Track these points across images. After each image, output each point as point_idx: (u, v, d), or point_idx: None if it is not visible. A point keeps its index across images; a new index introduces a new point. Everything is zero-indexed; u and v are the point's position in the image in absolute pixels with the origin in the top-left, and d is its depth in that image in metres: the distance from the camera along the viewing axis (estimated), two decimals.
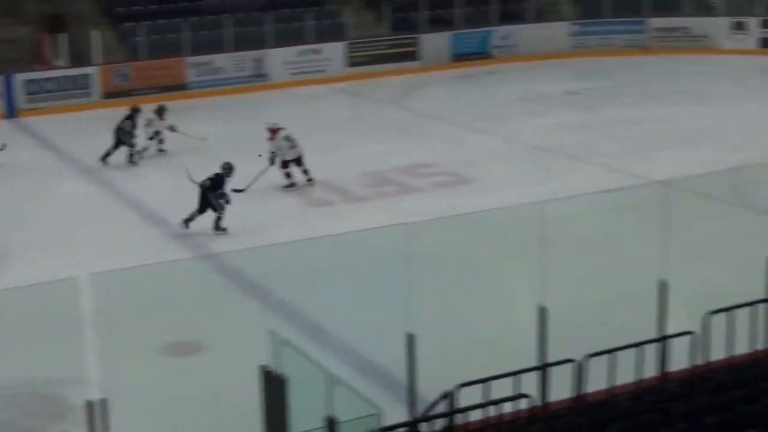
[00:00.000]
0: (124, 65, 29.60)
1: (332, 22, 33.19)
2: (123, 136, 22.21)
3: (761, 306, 10.50)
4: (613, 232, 16.61)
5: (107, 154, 22.16)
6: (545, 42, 34.05)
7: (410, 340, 9.58)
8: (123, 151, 22.15)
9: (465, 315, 13.19)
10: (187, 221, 17.61)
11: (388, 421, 7.93)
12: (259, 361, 8.84)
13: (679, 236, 11.43)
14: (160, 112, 23.04)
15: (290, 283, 13.50)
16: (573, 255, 14.65)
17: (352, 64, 31.76)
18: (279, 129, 20.40)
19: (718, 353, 10.19)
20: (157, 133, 22.94)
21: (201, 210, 17.61)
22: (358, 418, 7.67)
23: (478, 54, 33.80)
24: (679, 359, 10.16)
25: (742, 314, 10.24)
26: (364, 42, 32.73)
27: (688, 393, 8.88)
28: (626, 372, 9.71)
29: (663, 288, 10.19)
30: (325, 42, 31.98)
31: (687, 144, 22.40)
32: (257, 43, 31.25)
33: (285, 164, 20.15)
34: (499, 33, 34.14)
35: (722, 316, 10.08)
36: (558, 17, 35.30)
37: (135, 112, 22.69)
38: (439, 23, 33.99)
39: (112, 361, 11.40)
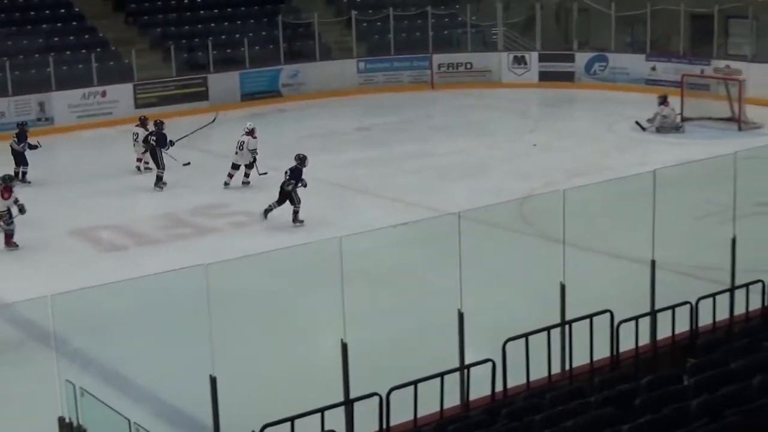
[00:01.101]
0: None
1: (118, 64, 32.62)
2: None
3: (555, 330, 10.85)
4: (411, 264, 16.87)
5: None
6: (334, 79, 34.44)
7: (213, 383, 9.45)
8: None
9: (269, 354, 13.11)
10: (267, 212, 19.72)
11: None
12: (57, 413, 8.54)
13: (474, 266, 11.67)
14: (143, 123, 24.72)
15: (87, 330, 13.12)
16: (373, 288, 14.79)
17: (140, 106, 31.24)
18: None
19: (517, 379, 10.45)
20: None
21: (280, 202, 19.55)
22: None
23: (268, 92, 33.87)
24: (481, 387, 10.36)
25: (539, 339, 10.54)
26: (152, 83, 32.30)
27: (489, 420, 9.06)
28: (430, 402, 9.84)
29: (461, 318, 10.38)
30: (111, 84, 31.43)
31: (476, 175, 23.00)
32: (41, 86, 30.43)
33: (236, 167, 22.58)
34: (288, 71, 34.31)
35: (520, 342, 10.35)
36: (345, 55, 35.77)
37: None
38: (228, 63, 33.90)
39: None
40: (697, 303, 11.25)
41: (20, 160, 23.81)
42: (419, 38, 36.63)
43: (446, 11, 37.65)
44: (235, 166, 22.96)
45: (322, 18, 35.96)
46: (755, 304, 11.80)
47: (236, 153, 22.93)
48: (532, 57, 35.42)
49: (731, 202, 12.31)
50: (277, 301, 14.78)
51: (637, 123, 27.18)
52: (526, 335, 10.40)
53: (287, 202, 19.61)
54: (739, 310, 11.82)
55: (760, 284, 11.77)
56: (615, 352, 10.88)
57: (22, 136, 24.24)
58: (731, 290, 11.90)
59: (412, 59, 35.81)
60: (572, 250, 11.07)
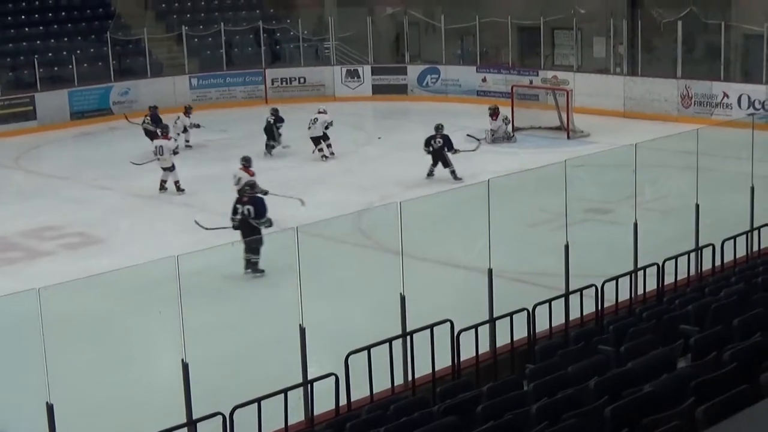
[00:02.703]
0: None
1: None
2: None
3: (397, 342, 10.93)
4: (250, 280, 16.74)
5: None
6: (166, 96, 33.96)
7: (50, 411, 9.19)
8: None
9: (107, 377, 12.81)
10: (429, 175, 23.55)
11: None
12: None
13: (314, 280, 11.67)
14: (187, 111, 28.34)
15: None
16: (213, 306, 14.62)
17: None
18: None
19: (361, 391, 10.48)
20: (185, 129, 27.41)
21: (434, 164, 23.63)
22: None
23: (98, 111, 33.18)
24: (325, 401, 10.36)
25: (381, 351, 10.60)
26: None
27: None
28: (274, 419, 9.78)
29: (303, 333, 10.36)
30: None
31: (313, 189, 23.00)
32: None
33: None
34: (119, 89, 33.70)
35: (362, 354, 10.39)
36: (177, 71, 35.34)
37: None
38: (56, 81, 33.09)
39: None
40: (533, 309, 11.50)
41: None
42: (252, 53, 36.53)
43: (278, 26, 37.68)
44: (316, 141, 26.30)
45: (152, 34, 35.44)
46: (589, 308, 12.13)
47: (308, 128, 26.43)
48: (365, 70, 35.73)
49: (563, 209, 12.64)
50: (114, 324, 14.47)
51: (469, 135, 27.55)
52: (368, 348, 10.45)
53: (439, 164, 23.64)
54: (574, 314, 12.14)
55: (593, 288, 12.10)
56: (456, 361, 11.03)
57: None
58: (566, 296, 12.20)
59: (245, 75, 35.68)
60: (411, 261, 11.19)
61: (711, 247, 13.48)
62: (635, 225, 13.67)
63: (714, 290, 11.45)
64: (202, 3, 38.91)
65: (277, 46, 37.52)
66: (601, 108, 30.83)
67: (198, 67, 35.92)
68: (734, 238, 13.76)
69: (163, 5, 38.12)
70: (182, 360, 9.77)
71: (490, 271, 11.92)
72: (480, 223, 11.79)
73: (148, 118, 27.89)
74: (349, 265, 17.17)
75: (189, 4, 38.74)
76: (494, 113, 28.04)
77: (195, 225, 18.82)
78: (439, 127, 24.10)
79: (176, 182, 23.60)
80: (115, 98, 33.57)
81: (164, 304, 9.90)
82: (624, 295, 12.64)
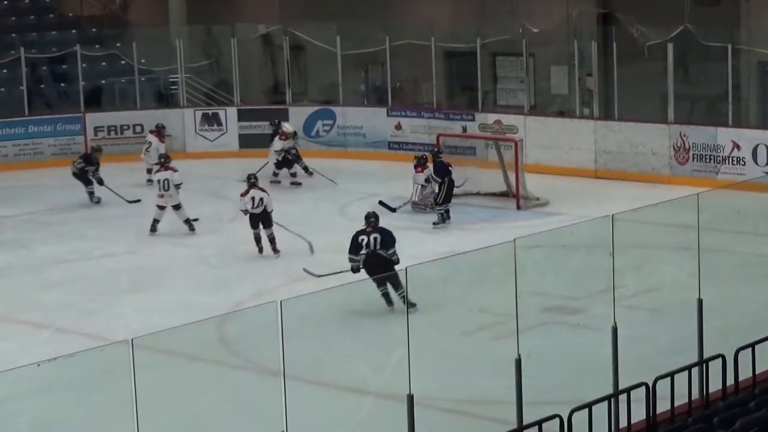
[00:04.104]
0: None
1: None
2: None
3: None
4: (64, 417, 16.52)
5: None
6: None
7: None
8: None
9: None
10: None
11: None
12: None
13: (158, 416, 11.56)
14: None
15: None
16: None
17: None
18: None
19: None
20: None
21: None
22: None
23: None
24: None
25: None
26: None
27: None
28: None
29: None
30: None
31: (154, 285, 22.87)
32: None
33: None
34: None
35: None
36: None
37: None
38: None
39: None
40: None
41: None
42: (66, 90, 36.40)
43: (103, 51, 37.57)
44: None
45: None
46: None
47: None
48: (229, 114, 35.80)
49: (512, 309, 12.70)
50: None
51: (381, 203, 27.57)
52: None
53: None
54: None
55: (556, 421, 12.14)
56: None
57: None
58: None
59: (57, 121, 35.47)
60: (296, 385, 11.14)
61: (720, 360, 13.62)
62: (614, 329, 13.76)
63: (726, 420, 11.55)
64: None
65: (102, 81, 37.42)
66: (564, 165, 31.24)
67: None
68: (752, 346, 13.93)
69: None
70: None
71: (411, 398, 11.91)
72: (395, 331, 11.80)
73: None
74: (206, 392, 17.00)
75: None
76: (421, 164, 27.88)
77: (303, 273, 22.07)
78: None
79: (186, 219, 26.96)
80: None
81: None
82: (601, 429, 12.70)
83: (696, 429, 11.60)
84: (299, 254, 24.25)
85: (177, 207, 26.93)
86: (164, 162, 27.77)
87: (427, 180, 27.79)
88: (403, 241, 24.92)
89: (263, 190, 25.30)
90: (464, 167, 29.21)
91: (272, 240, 24.91)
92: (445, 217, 26.81)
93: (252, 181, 25.33)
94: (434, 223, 26.64)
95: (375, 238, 20.57)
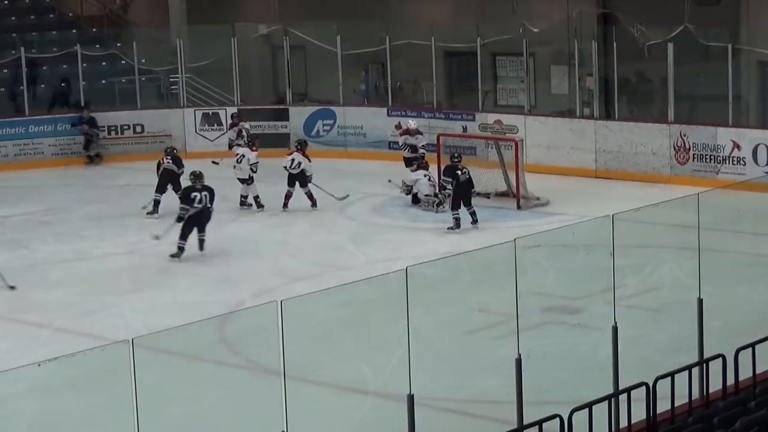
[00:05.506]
0: None
1: None
2: None
3: None
4: (64, 418, 16.53)
5: None
6: None
7: None
8: None
9: None
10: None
11: None
12: None
13: (158, 416, 11.56)
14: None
15: None
16: None
17: None
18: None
19: None
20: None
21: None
22: None
23: None
24: None
25: None
26: None
27: None
28: None
29: None
30: None
31: (154, 285, 22.87)
32: None
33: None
34: None
35: None
36: None
37: None
38: None
39: None
40: None
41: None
42: (67, 90, 36.37)
43: (103, 51, 37.58)
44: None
45: None
46: None
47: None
48: (229, 114, 35.71)
49: (512, 308, 12.70)
50: None
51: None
52: None
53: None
54: None
55: (557, 421, 12.13)
56: None
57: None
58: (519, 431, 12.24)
59: (57, 121, 35.48)
60: (296, 384, 11.13)
61: (721, 359, 13.62)
62: (614, 329, 13.76)
63: (726, 420, 11.55)
64: None
65: (103, 81, 37.41)
66: (564, 165, 31.26)
67: None
68: (752, 345, 13.93)
69: None
70: None
71: (411, 398, 11.91)
72: (394, 330, 11.79)
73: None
74: (208, 392, 17.02)
75: None
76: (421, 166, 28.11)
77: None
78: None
79: (256, 197, 28.93)
80: None
81: None
82: (601, 429, 12.70)
83: (696, 429, 11.59)
84: (297, 254, 24.20)
85: (247, 182, 28.94)
86: (251, 142, 30.17)
87: (429, 178, 28.01)
88: (403, 241, 24.99)
89: (306, 156, 28.30)
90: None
91: (309, 196, 28.34)
92: (460, 223, 26.56)
93: (297, 147, 28.84)
94: (449, 228, 26.46)
95: (205, 195, 24.55)
